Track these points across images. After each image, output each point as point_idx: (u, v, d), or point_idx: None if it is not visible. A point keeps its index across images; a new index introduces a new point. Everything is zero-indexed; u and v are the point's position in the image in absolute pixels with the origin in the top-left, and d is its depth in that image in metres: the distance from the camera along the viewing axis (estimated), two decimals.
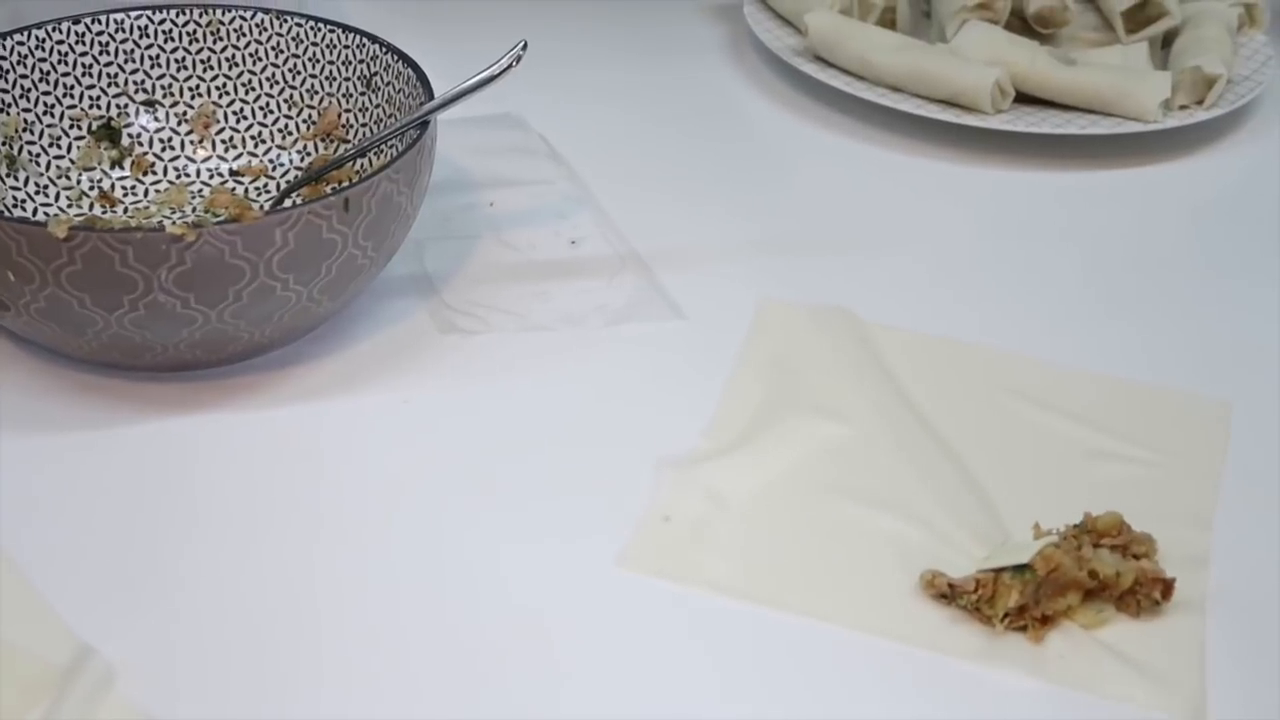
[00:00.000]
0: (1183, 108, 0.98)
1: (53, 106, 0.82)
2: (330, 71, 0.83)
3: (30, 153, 0.81)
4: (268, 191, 0.83)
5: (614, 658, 0.59)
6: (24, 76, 0.80)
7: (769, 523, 0.65)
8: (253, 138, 0.85)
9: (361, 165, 0.80)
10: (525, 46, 0.75)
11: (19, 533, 0.63)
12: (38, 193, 0.80)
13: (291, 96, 0.84)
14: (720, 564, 0.63)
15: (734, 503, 0.66)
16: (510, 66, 0.75)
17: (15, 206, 0.79)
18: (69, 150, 0.82)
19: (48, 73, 0.81)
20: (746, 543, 0.64)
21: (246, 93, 0.85)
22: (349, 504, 0.66)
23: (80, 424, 0.69)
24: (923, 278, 0.83)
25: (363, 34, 0.81)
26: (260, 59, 0.84)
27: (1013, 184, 0.94)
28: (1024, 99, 0.98)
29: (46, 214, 0.80)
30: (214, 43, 0.84)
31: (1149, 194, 0.93)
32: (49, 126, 0.82)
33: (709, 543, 0.64)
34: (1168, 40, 1.05)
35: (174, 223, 0.79)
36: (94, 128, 0.83)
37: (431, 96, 0.76)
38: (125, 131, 0.84)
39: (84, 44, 0.82)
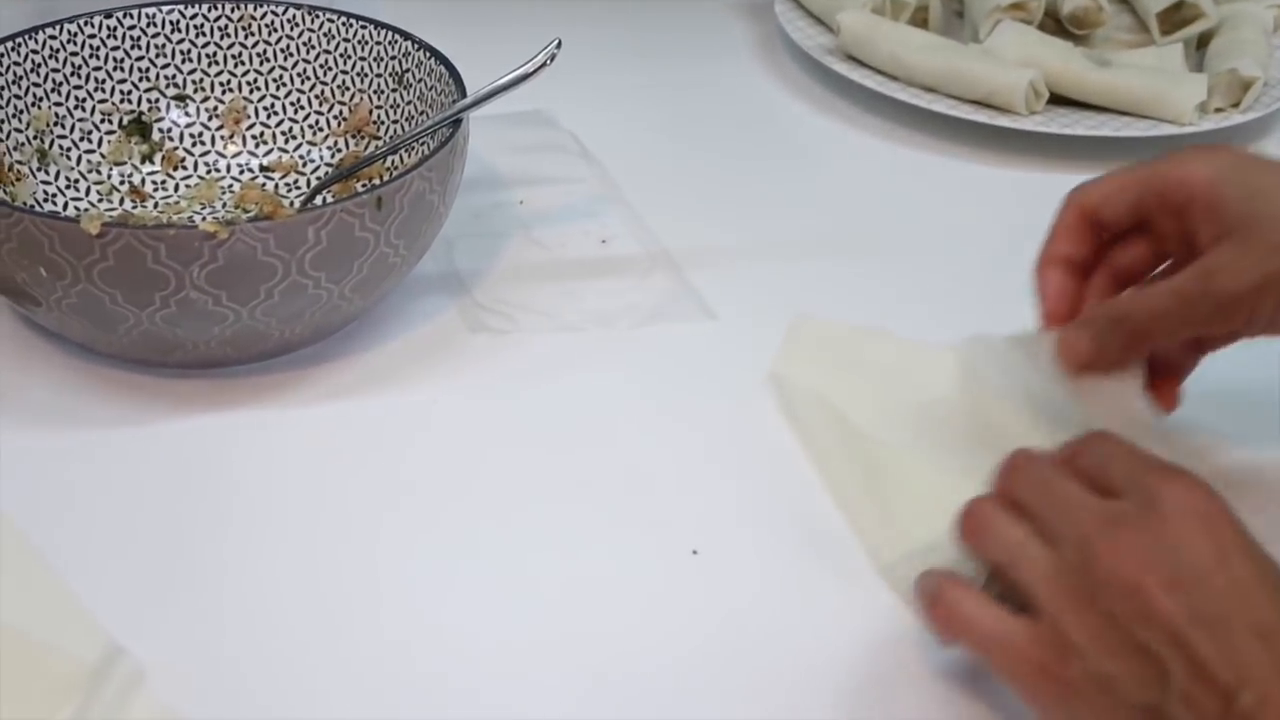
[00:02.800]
0: (1218, 110, 0.97)
1: (84, 101, 0.82)
2: (362, 68, 0.82)
3: (61, 147, 0.81)
4: (298, 188, 0.83)
5: (656, 660, 0.58)
6: (55, 70, 0.80)
7: None
8: (283, 133, 0.84)
9: (392, 162, 0.80)
10: (560, 45, 0.74)
11: (49, 529, 0.63)
12: (68, 187, 0.80)
13: (323, 92, 0.84)
14: None
15: None
16: (544, 65, 0.74)
17: (46, 200, 0.79)
18: (100, 145, 0.82)
19: (79, 67, 0.81)
20: None
21: (278, 88, 0.84)
22: (378, 503, 0.66)
23: (110, 421, 0.69)
24: (954, 279, 0.82)
25: (395, 30, 0.81)
26: (292, 54, 0.84)
27: (1047, 186, 0.91)
28: (1058, 100, 0.97)
29: (77, 208, 0.80)
30: (245, 38, 0.84)
31: None
32: (80, 121, 0.81)
33: None
34: (1203, 42, 1.04)
35: (204, 219, 0.79)
36: (125, 122, 0.83)
37: (464, 94, 0.76)
38: (156, 126, 0.83)
39: (115, 38, 0.82)
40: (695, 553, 0.64)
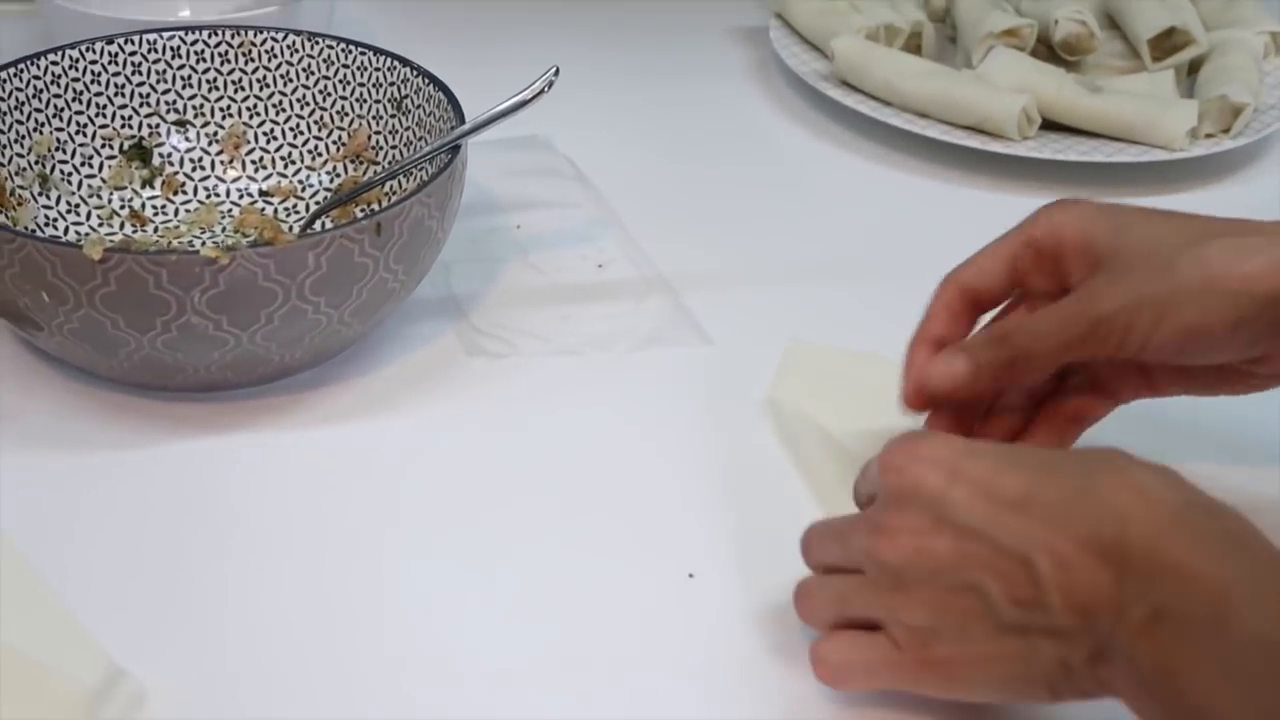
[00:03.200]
0: (1209, 136, 0.98)
1: (85, 126, 0.82)
2: (361, 94, 0.83)
3: (62, 171, 0.81)
4: (297, 212, 0.84)
5: (652, 684, 0.59)
6: (57, 96, 0.81)
7: None
8: (283, 158, 0.85)
9: (391, 188, 0.81)
10: (557, 72, 0.75)
11: (50, 552, 0.63)
12: (69, 211, 0.81)
13: (322, 118, 0.85)
14: None
15: None
16: (543, 91, 0.75)
17: (47, 225, 0.79)
18: (100, 169, 0.83)
19: (80, 92, 0.82)
20: None
21: (277, 114, 0.85)
22: (377, 525, 0.66)
23: (111, 444, 0.70)
24: None
25: (394, 56, 0.82)
26: (291, 80, 0.84)
27: None
28: (1050, 126, 0.98)
29: (78, 233, 0.80)
30: (246, 64, 0.84)
31: None
32: (81, 146, 0.82)
33: None
34: (1194, 68, 1.05)
35: (204, 243, 0.80)
36: (125, 147, 0.83)
37: (462, 120, 0.76)
38: (156, 151, 0.84)
39: (117, 64, 0.83)
40: (691, 576, 0.64)
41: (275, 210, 0.84)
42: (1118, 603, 0.49)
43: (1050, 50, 1.05)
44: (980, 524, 0.52)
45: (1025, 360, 0.63)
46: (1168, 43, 1.04)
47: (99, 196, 0.82)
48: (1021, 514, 0.52)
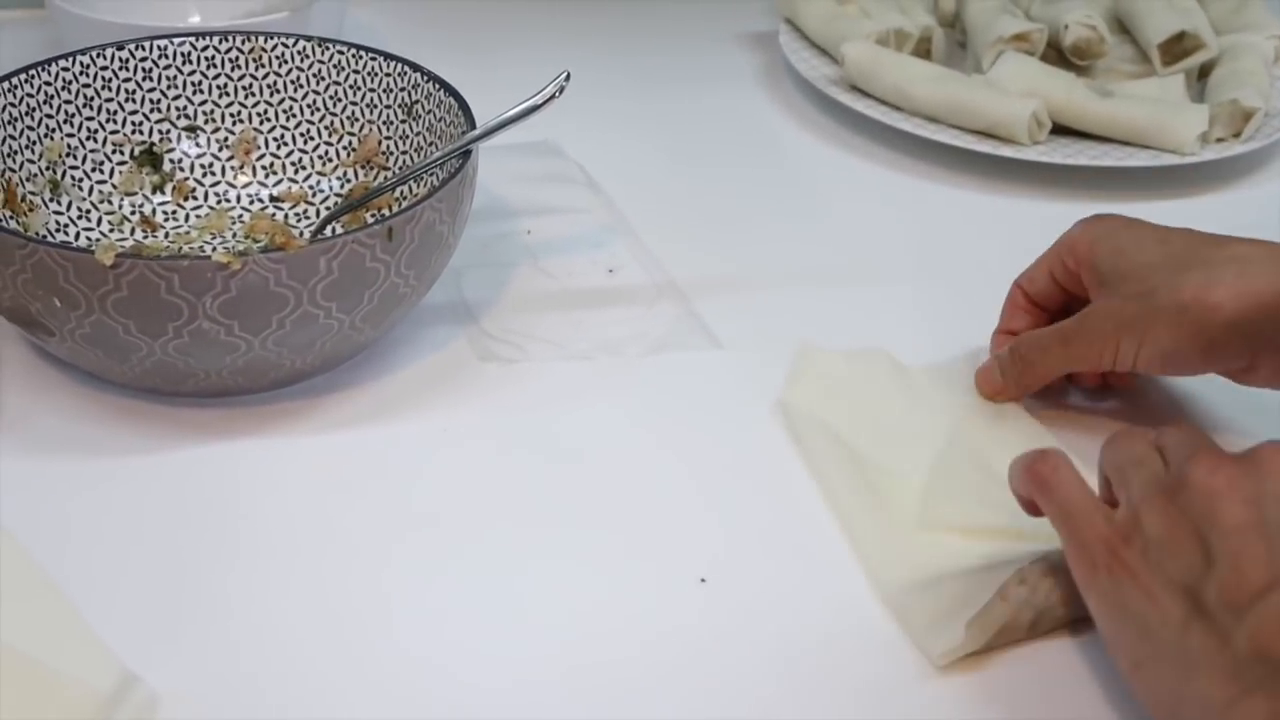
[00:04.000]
0: (1219, 140, 0.98)
1: (96, 132, 0.82)
2: (371, 99, 0.83)
3: (73, 177, 0.81)
4: (307, 218, 0.84)
5: (663, 688, 0.59)
6: (68, 102, 0.81)
7: None
8: (293, 164, 0.85)
9: (401, 193, 0.81)
10: (568, 77, 0.75)
11: (62, 557, 0.63)
12: (80, 217, 0.81)
13: (332, 123, 0.85)
14: None
15: None
16: (554, 97, 0.75)
17: (58, 231, 0.79)
18: (111, 175, 0.83)
19: (91, 98, 0.82)
20: None
21: (287, 119, 0.85)
22: (388, 531, 0.66)
23: (122, 449, 0.70)
24: (957, 307, 0.83)
25: (404, 62, 0.82)
26: (302, 85, 0.85)
27: (1049, 216, 0.93)
28: (1060, 130, 0.98)
29: (89, 239, 0.80)
30: (256, 69, 0.84)
31: (1186, 226, 0.93)
32: (92, 152, 0.82)
33: None
34: (1204, 72, 1.05)
35: (215, 249, 0.80)
36: (136, 153, 0.84)
37: (473, 125, 0.76)
38: (167, 157, 0.84)
39: (128, 70, 0.83)
40: (703, 581, 0.64)
41: (286, 216, 0.84)
42: None
43: (1060, 55, 1.05)
44: (1273, 538, 0.52)
45: (1032, 370, 0.73)
46: (1178, 47, 1.04)
47: (109, 202, 0.82)
48: None
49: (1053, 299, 0.75)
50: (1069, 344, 0.71)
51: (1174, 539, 0.54)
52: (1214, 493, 0.53)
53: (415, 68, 0.81)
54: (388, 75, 0.82)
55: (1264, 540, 0.52)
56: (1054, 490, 0.58)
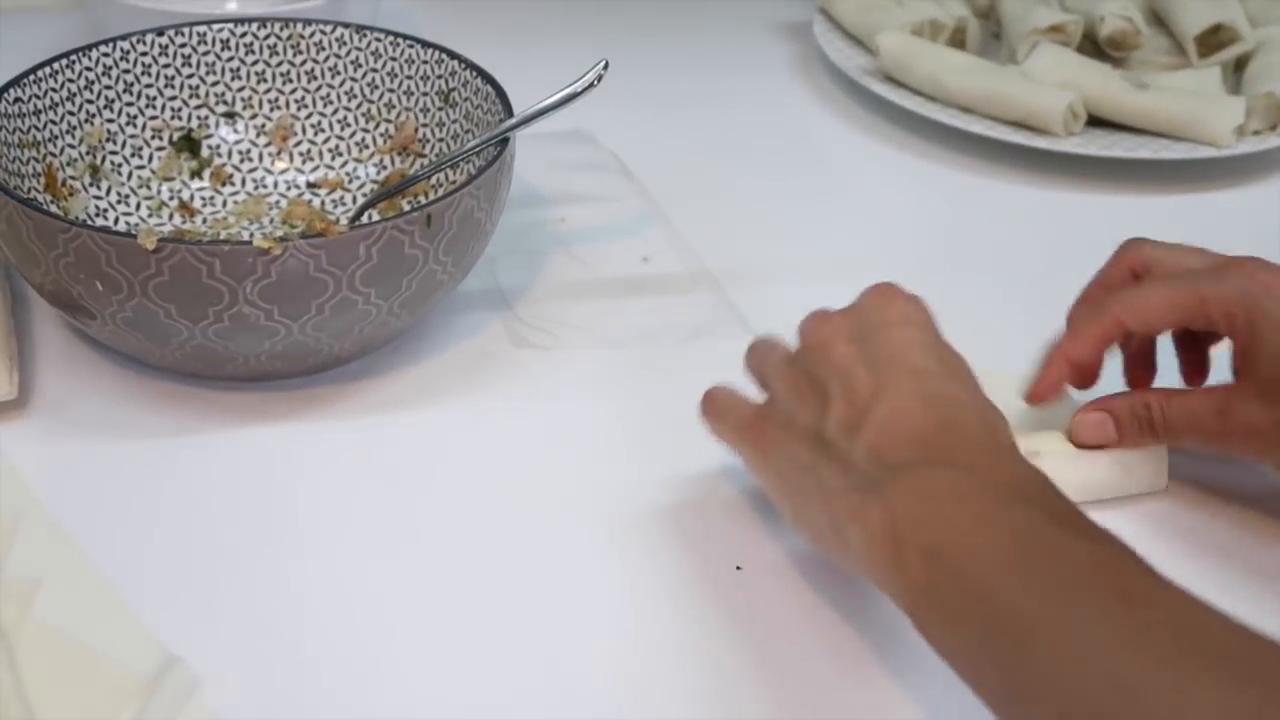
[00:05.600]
0: (1256, 133, 0.97)
1: (135, 117, 0.83)
2: (408, 86, 0.84)
3: (113, 163, 0.82)
4: (344, 204, 0.84)
5: (699, 676, 0.59)
6: (108, 88, 0.81)
7: None
8: (330, 150, 0.86)
9: (438, 180, 0.81)
10: (606, 66, 0.75)
11: (102, 540, 0.64)
12: (119, 202, 0.81)
13: (369, 110, 0.85)
14: None
15: None
16: (592, 85, 0.75)
17: (98, 215, 0.80)
18: (150, 161, 0.83)
19: (131, 84, 0.82)
20: None
21: (325, 106, 0.85)
22: (425, 516, 0.67)
23: (161, 432, 0.70)
24: (992, 299, 0.82)
25: (442, 49, 0.82)
26: (339, 72, 0.85)
27: (1084, 207, 0.94)
28: (1095, 122, 0.98)
29: (128, 224, 0.81)
30: (294, 55, 0.85)
31: (1222, 219, 0.92)
32: (131, 137, 0.83)
33: None
34: (1240, 65, 1.04)
35: (252, 234, 0.80)
36: (175, 139, 0.84)
37: (510, 113, 0.77)
38: (205, 143, 0.85)
39: (167, 56, 0.83)
40: (739, 569, 0.64)
41: (322, 202, 0.84)
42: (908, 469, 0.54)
43: (1096, 46, 1.04)
44: (876, 364, 0.57)
45: (1164, 436, 0.66)
46: (1214, 39, 1.03)
47: (148, 188, 0.83)
48: (912, 378, 0.56)
49: (1151, 340, 0.69)
50: (1207, 435, 0.65)
51: (799, 394, 0.59)
52: (824, 342, 0.59)
53: (453, 55, 0.82)
54: (425, 62, 0.83)
55: (865, 366, 0.57)
56: (710, 404, 0.64)
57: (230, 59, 0.84)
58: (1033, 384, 0.68)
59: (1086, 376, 0.68)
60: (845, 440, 0.56)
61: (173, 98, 0.84)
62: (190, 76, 0.84)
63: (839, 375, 0.57)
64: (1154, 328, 0.67)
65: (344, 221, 0.82)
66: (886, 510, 0.53)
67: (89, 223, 0.78)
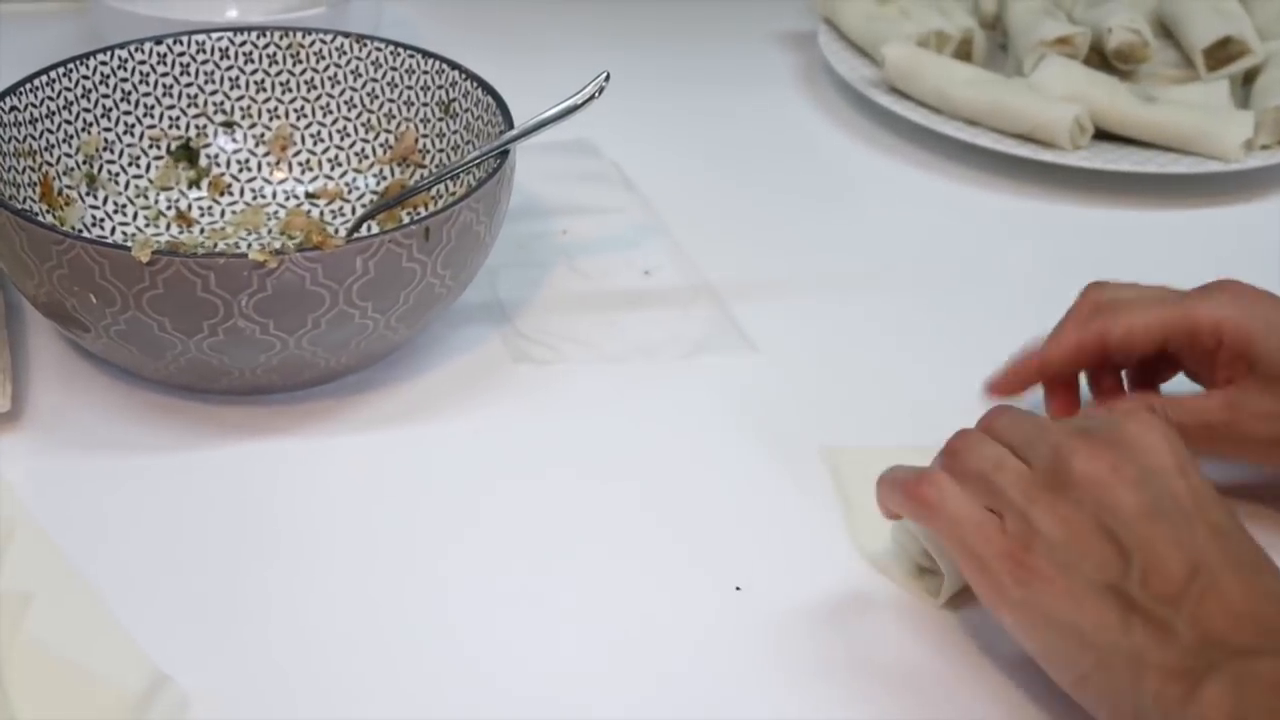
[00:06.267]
0: (1264, 147, 0.96)
1: (133, 126, 0.82)
2: (409, 96, 0.83)
3: (110, 172, 0.81)
4: (343, 215, 0.83)
5: (698, 696, 0.58)
6: (105, 96, 0.81)
7: None
8: (329, 160, 0.85)
9: (438, 191, 0.80)
10: (608, 78, 0.75)
11: (94, 555, 0.63)
12: (116, 211, 0.81)
13: (369, 120, 0.84)
14: None
15: None
16: (593, 97, 0.74)
17: (94, 225, 0.79)
18: (147, 170, 0.83)
19: (129, 93, 0.82)
20: None
21: (324, 116, 0.85)
22: (422, 532, 0.66)
23: (156, 446, 0.70)
24: (997, 313, 0.82)
25: (442, 60, 0.81)
26: (339, 82, 0.84)
27: (1091, 221, 0.93)
28: (1102, 135, 0.97)
29: (124, 233, 0.80)
30: (293, 65, 0.84)
31: (1230, 234, 0.92)
32: (129, 146, 0.82)
33: None
34: (1249, 78, 1.03)
35: (250, 245, 0.80)
36: (173, 148, 0.83)
37: (511, 124, 0.76)
38: (203, 152, 0.84)
39: (165, 64, 0.83)
40: (739, 589, 0.63)
41: (321, 213, 0.83)
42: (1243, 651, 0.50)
43: (1103, 59, 1.03)
44: (1176, 519, 0.53)
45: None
46: (1223, 52, 1.02)
47: (146, 197, 0.82)
48: (1216, 540, 0.52)
49: (1137, 360, 0.69)
50: (1216, 437, 0.65)
51: (1078, 537, 0.53)
52: (1102, 483, 0.54)
53: (453, 65, 0.81)
54: (425, 73, 0.82)
55: (1166, 523, 0.53)
56: (941, 510, 0.57)
57: (229, 68, 0.84)
58: (997, 375, 0.70)
59: (1053, 387, 0.69)
60: (1163, 608, 0.51)
61: (170, 107, 0.83)
62: (189, 85, 0.83)
63: (1136, 528, 0.52)
64: (1135, 344, 0.67)
65: (342, 233, 0.81)
66: (1234, 700, 0.49)
67: (84, 234, 0.78)
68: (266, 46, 0.84)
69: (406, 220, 0.78)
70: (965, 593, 0.60)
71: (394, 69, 0.83)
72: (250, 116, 0.85)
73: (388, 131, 0.84)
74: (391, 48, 0.83)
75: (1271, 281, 0.85)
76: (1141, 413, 0.56)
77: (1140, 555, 0.52)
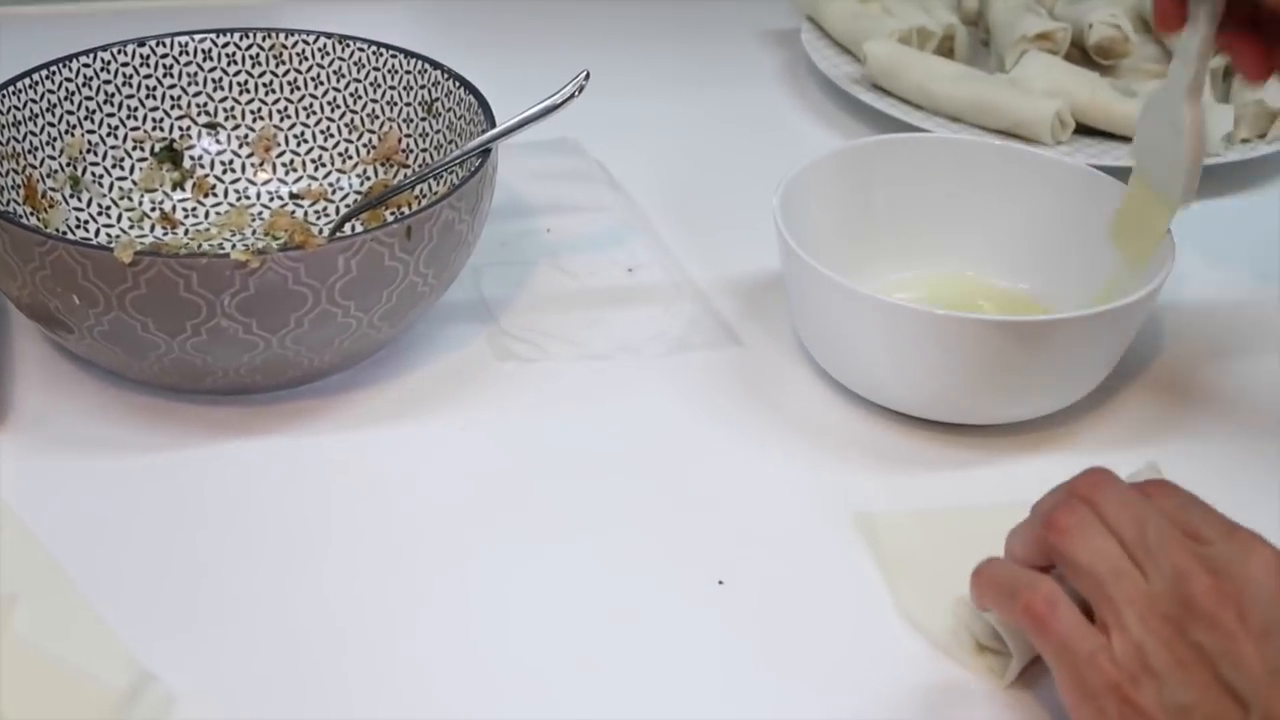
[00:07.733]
0: (1244, 141, 0.97)
1: (116, 128, 0.82)
2: (391, 96, 0.83)
3: (94, 174, 0.81)
4: (327, 215, 0.83)
5: (680, 691, 0.59)
6: (89, 98, 0.81)
7: None
8: (313, 161, 0.85)
9: (421, 191, 0.80)
10: (588, 76, 0.75)
11: (79, 555, 0.63)
12: (100, 214, 0.81)
13: (352, 120, 0.85)
14: None
15: None
16: (573, 96, 0.75)
17: (78, 227, 0.79)
18: (131, 172, 0.83)
19: (112, 95, 0.82)
20: None
21: (307, 116, 0.85)
22: (407, 530, 0.66)
23: (140, 446, 0.70)
24: None
25: (425, 59, 0.82)
26: (322, 83, 0.84)
27: None
28: (1084, 130, 0.97)
29: (109, 235, 0.80)
30: (277, 66, 0.84)
31: (1211, 227, 0.92)
32: (112, 148, 0.82)
33: None
34: (1229, 72, 1.04)
35: (235, 246, 0.80)
36: (156, 149, 0.84)
37: (493, 123, 0.76)
38: (187, 153, 0.84)
39: (148, 66, 0.83)
40: (721, 583, 0.64)
41: (305, 213, 0.84)
42: None
43: (1084, 54, 1.04)
44: None
45: None
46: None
47: (130, 199, 0.82)
48: None
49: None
50: None
51: (1195, 686, 0.50)
52: (1228, 627, 0.50)
53: (436, 65, 0.81)
54: (408, 73, 0.82)
55: None
56: (1053, 630, 0.53)
57: (212, 69, 0.84)
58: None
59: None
60: None
61: (154, 108, 0.83)
62: (172, 87, 0.84)
63: (1263, 698, 0.49)
64: None
65: (325, 233, 0.81)
66: None
67: (67, 235, 0.78)
68: (249, 47, 0.84)
69: (391, 219, 0.78)
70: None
71: (377, 69, 0.83)
72: (234, 118, 0.85)
73: (371, 131, 0.84)
74: (374, 48, 0.83)
75: (1249, 276, 0.86)
76: (1264, 549, 0.51)
77: (1259, 716, 0.49)
